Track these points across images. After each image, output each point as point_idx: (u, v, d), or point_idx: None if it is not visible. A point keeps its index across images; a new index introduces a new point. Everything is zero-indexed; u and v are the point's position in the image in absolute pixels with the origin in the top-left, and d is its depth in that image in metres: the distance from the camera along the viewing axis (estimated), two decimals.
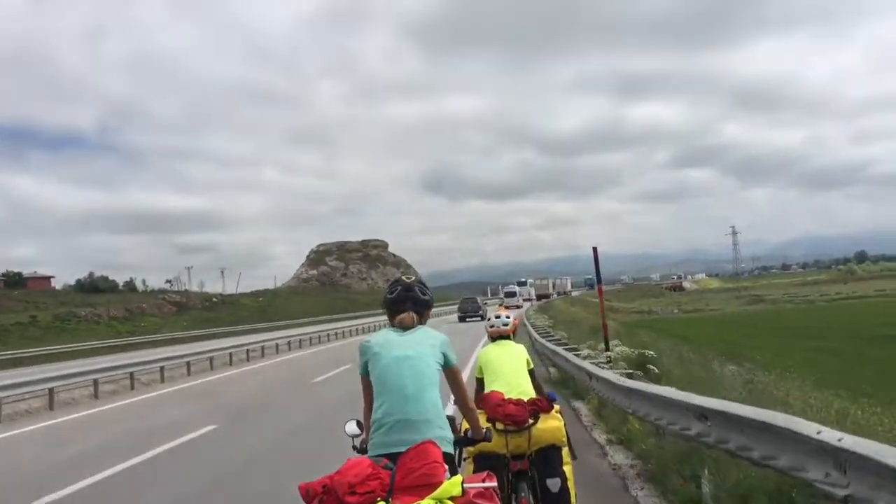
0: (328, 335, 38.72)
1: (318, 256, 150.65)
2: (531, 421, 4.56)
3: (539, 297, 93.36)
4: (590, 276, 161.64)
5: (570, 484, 4.63)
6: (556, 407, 4.80)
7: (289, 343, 32.52)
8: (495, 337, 5.29)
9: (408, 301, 3.56)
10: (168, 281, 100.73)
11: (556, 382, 14.69)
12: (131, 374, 19.02)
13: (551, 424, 4.64)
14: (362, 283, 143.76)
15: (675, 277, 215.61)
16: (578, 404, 11.66)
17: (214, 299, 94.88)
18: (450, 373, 3.53)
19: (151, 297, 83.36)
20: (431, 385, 3.35)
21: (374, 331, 46.84)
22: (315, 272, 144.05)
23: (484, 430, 3.81)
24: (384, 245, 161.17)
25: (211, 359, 24.05)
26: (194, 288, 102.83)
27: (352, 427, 3.69)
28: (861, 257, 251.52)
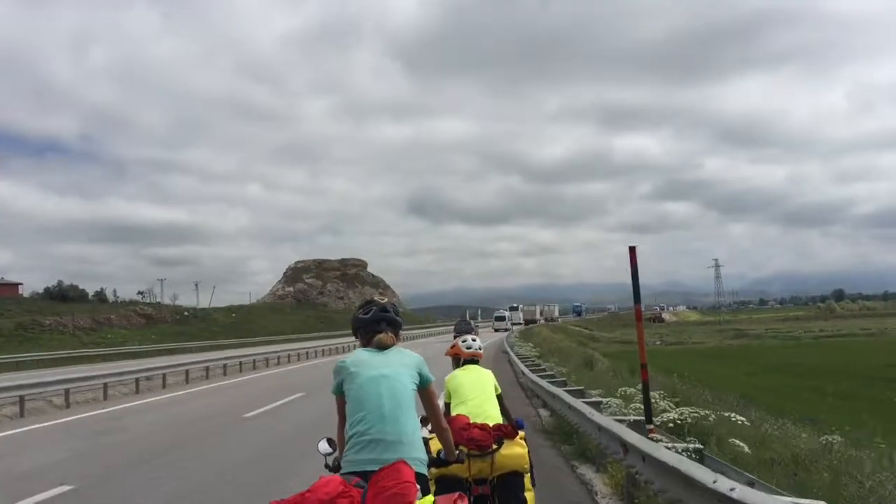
0: (295, 354, 35.40)
1: (295, 273, 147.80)
2: (495, 446, 4.42)
3: (527, 322, 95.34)
4: (578, 304, 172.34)
5: None
6: (521, 433, 4.68)
7: (240, 364, 28.72)
8: (466, 360, 5.17)
9: (383, 321, 3.54)
10: (140, 292, 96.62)
11: (552, 432, 11.33)
12: (21, 397, 15.33)
13: (515, 451, 4.51)
14: (339, 302, 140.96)
15: (658, 308, 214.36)
16: (589, 473, 8.22)
17: (186, 313, 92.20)
18: (425, 393, 3.49)
19: (121, 308, 79.92)
20: (408, 405, 3.31)
21: (348, 351, 42.97)
22: (291, 289, 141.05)
23: (457, 452, 3.81)
24: (363, 265, 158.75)
25: (137, 380, 20.36)
26: (167, 300, 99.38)
27: (324, 445, 3.64)
28: (839, 295, 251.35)
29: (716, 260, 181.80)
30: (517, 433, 4.61)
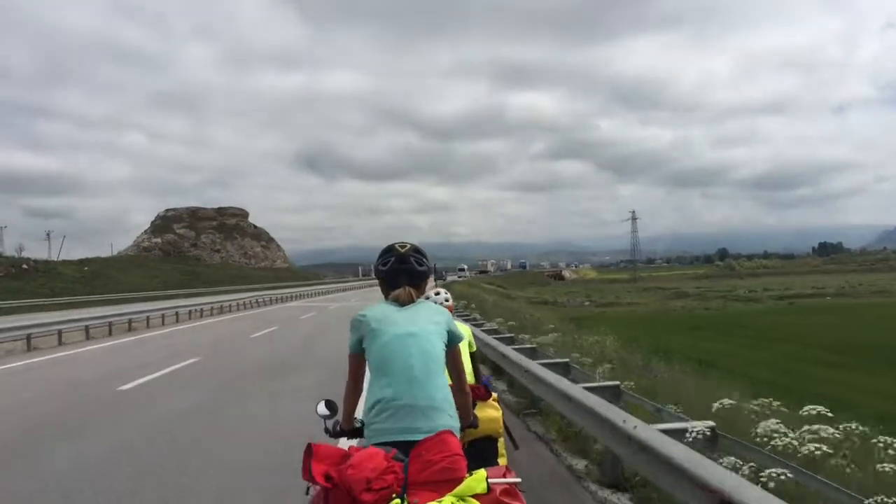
0: (148, 318, 26.85)
1: (164, 223, 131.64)
2: None
3: (480, 272, 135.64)
4: (523, 261, 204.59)
5: None
6: (495, 395, 4.31)
7: (59, 333, 19.91)
8: None
9: (402, 274, 3.06)
10: None
11: None
12: None
13: (489, 414, 4.10)
14: (215, 255, 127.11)
15: (575, 266, 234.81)
16: None
17: (24, 266, 77.04)
18: (451, 353, 3.04)
19: None
20: (439, 367, 2.89)
21: (221, 314, 34.10)
22: (159, 240, 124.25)
23: (472, 417, 3.37)
24: (244, 214, 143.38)
25: None
26: (11, 252, 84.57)
27: (322, 408, 3.24)
28: (723, 255, 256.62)
29: (632, 212, 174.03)
30: (490, 395, 4.24)
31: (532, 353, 10.50)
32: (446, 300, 4.59)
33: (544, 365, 8.30)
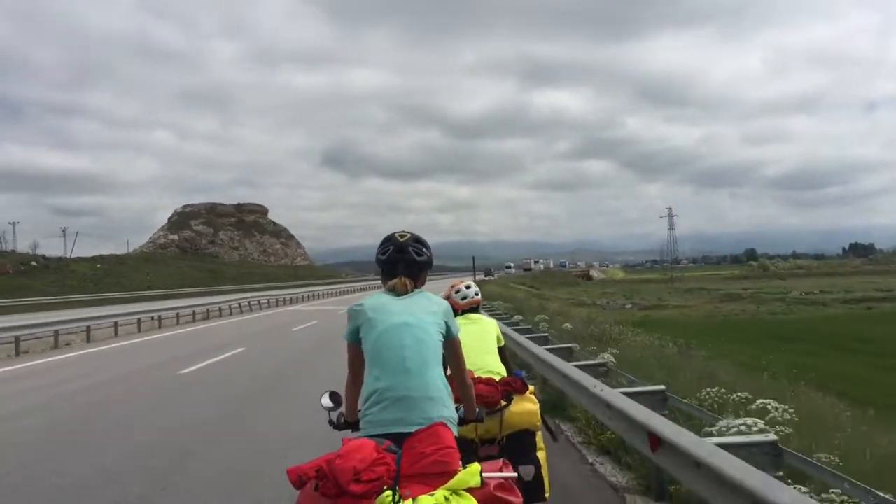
0: (56, 333, 19.57)
1: (181, 219, 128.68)
2: (504, 403, 3.96)
3: (525, 270, 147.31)
4: (563, 261, 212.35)
5: (544, 471, 4.13)
6: (531, 388, 4.23)
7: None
8: (465, 309, 4.63)
9: (399, 264, 3.01)
10: None
11: None
12: None
13: (526, 407, 4.08)
14: (233, 252, 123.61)
15: (606, 265, 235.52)
16: None
17: (34, 263, 76.07)
18: (450, 344, 3.00)
19: None
20: (435, 357, 2.85)
21: (194, 322, 29.07)
22: (176, 237, 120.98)
23: (477, 411, 3.30)
24: (263, 210, 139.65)
25: None
26: (25, 248, 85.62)
27: (326, 400, 3.22)
28: (751, 255, 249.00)
29: (669, 209, 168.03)
30: (527, 388, 4.17)
31: None
32: (476, 293, 4.65)
33: None
